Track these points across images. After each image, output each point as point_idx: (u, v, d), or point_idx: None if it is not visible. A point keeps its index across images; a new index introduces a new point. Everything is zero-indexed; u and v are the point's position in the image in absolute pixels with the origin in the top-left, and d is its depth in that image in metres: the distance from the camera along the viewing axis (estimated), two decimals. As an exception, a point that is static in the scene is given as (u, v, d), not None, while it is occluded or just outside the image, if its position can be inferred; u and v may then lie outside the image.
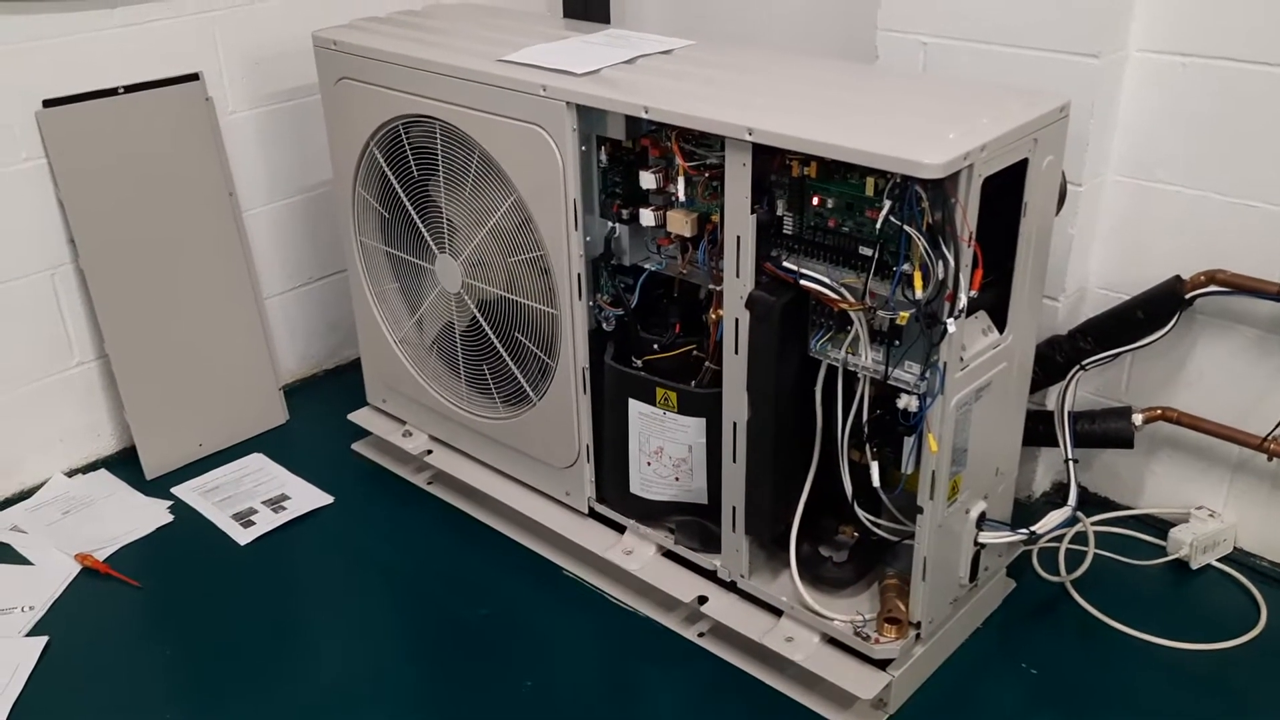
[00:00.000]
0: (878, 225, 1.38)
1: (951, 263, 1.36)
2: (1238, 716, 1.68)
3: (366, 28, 2.03)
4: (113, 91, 2.15)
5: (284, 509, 2.16)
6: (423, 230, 1.96)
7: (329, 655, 1.83)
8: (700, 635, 1.82)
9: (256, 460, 2.33)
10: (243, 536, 2.09)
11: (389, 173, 1.96)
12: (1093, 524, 1.94)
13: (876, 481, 1.55)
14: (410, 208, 1.95)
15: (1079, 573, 1.88)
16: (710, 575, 1.81)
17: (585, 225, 1.72)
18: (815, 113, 1.48)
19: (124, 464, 2.30)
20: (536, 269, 1.81)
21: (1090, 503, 2.09)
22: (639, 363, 1.76)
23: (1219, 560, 1.95)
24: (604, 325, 1.80)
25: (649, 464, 1.80)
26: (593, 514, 1.95)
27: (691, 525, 1.82)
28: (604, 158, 1.70)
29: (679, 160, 1.59)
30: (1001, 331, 1.57)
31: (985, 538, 1.66)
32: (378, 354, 2.20)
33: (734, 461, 1.67)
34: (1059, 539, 1.91)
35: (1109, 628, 1.82)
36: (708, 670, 1.76)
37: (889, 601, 1.63)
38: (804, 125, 1.42)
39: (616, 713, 1.71)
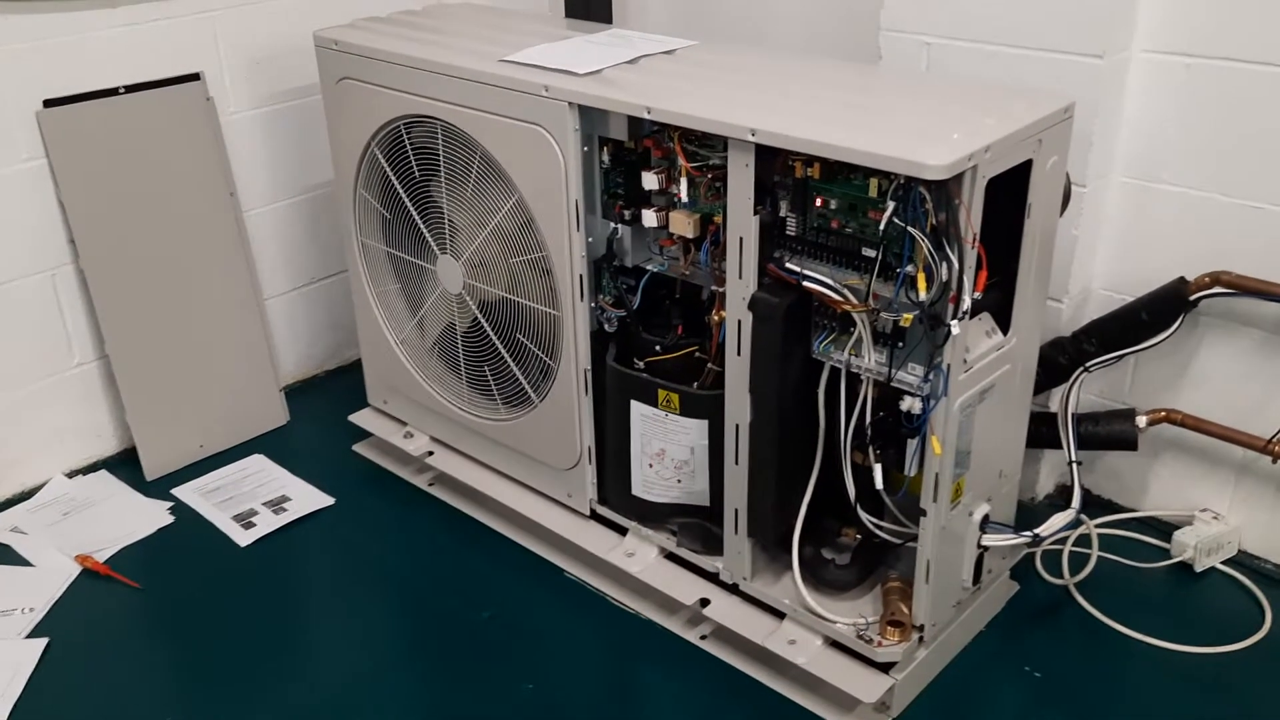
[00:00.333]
0: (881, 226, 1.38)
1: (955, 264, 1.36)
2: (1242, 720, 1.68)
3: (368, 28, 2.02)
4: (113, 91, 2.15)
5: (285, 510, 2.15)
6: (424, 231, 1.95)
7: (329, 657, 1.83)
8: (702, 638, 1.82)
9: (257, 461, 2.32)
10: (243, 538, 2.08)
11: (390, 173, 1.96)
12: (1096, 526, 1.94)
13: (879, 484, 1.55)
14: (411, 208, 1.95)
15: (1082, 575, 1.87)
16: (712, 577, 1.80)
17: (587, 226, 1.72)
18: (818, 113, 1.48)
19: (124, 465, 2.30)
20: (538, 270, 1.80)
21: (1094, 505, 2.09)
22: (641, 364, 1.75)
23: (1223, 563, 1.94)
24: (606, 326, 1.80)
25: (651, 466, 1.79)
26: (594, 516, 1.95)
27: (693, 527, 1.82)
28: (606, 158, 1.69)
29: (681, 161, 1.59)
30: (1005, 333, 1.57)
31: (988, 540, 1.65)
32: (379, 355, 2.20)
33: (736, 463, 1.67)
34: (1062, 541, 1.90)
35: (1113, 631, 1.81)
36: (710, 673, 1.76)
37: (892, 604, 1.62)
38: (807, 126, 1.41)
39: (618, 716, 1.71)
